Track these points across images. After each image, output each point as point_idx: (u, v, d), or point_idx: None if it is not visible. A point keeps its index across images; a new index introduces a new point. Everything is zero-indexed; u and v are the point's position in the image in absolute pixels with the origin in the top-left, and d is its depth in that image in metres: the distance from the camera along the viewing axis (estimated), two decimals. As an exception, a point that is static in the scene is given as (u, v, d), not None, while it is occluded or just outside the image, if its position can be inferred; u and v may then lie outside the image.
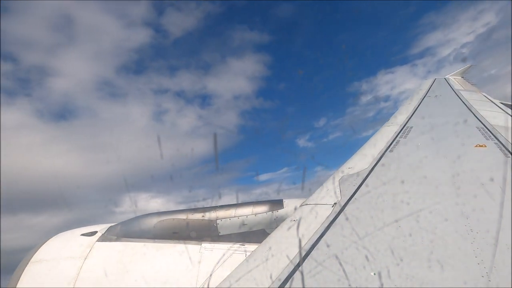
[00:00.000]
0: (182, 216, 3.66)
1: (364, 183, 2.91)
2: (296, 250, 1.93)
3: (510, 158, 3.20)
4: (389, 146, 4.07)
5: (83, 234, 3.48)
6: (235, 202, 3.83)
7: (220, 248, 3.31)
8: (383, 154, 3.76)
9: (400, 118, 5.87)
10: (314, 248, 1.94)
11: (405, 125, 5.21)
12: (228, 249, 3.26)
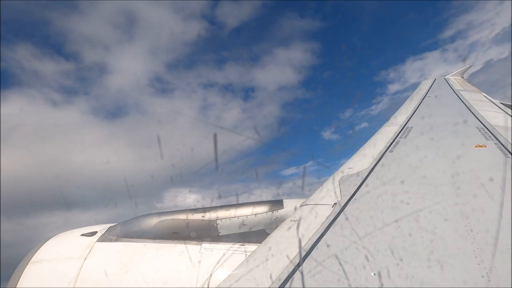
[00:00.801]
0: (182, 216, 3.66)
1: (364, 183, 2.91)
2: (296, 250, 1.93)
3: (510, 158, 3.20)
4: (389, 146, 4.06)
5: (83, 234, 3.48)
6: (235, 202, 3.83)
7: (220, 248, 3.31)
8: (383, 154, 3.76)
9: (400, 118, 5.87)
10: (314, 248, 1.94)
11: (405, 125, 5.21)
12: (228, 249, 3.26)
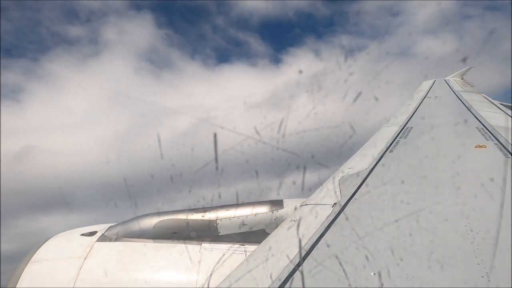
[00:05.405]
0: (182, 216, 3.66)
1: (364, 183, 2.91)
2: (296, 250, 1.93)
3: (510, 159, 3.20)
4: (389, 146, 4.07)
5: (83, 234, 3.48)
6: (235, 202, 3.82)
7: (220, 248, 3.31)
8: (383, 154, 3.77)
9: (400, 118, 5.87)
10: (314, 248, 1.94)
11: (405, 126, 5.22)
12: (228, 249, 3.26)
